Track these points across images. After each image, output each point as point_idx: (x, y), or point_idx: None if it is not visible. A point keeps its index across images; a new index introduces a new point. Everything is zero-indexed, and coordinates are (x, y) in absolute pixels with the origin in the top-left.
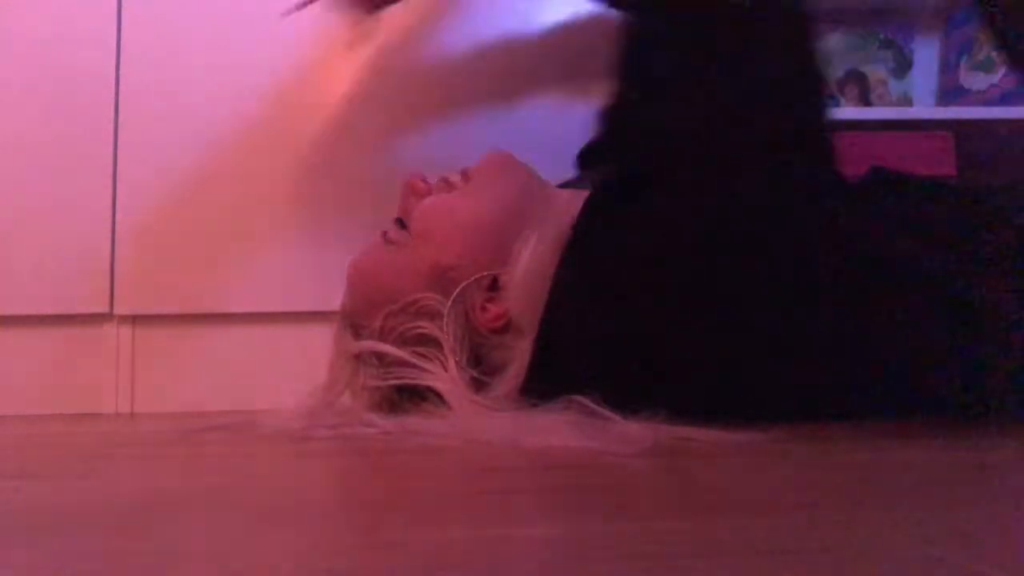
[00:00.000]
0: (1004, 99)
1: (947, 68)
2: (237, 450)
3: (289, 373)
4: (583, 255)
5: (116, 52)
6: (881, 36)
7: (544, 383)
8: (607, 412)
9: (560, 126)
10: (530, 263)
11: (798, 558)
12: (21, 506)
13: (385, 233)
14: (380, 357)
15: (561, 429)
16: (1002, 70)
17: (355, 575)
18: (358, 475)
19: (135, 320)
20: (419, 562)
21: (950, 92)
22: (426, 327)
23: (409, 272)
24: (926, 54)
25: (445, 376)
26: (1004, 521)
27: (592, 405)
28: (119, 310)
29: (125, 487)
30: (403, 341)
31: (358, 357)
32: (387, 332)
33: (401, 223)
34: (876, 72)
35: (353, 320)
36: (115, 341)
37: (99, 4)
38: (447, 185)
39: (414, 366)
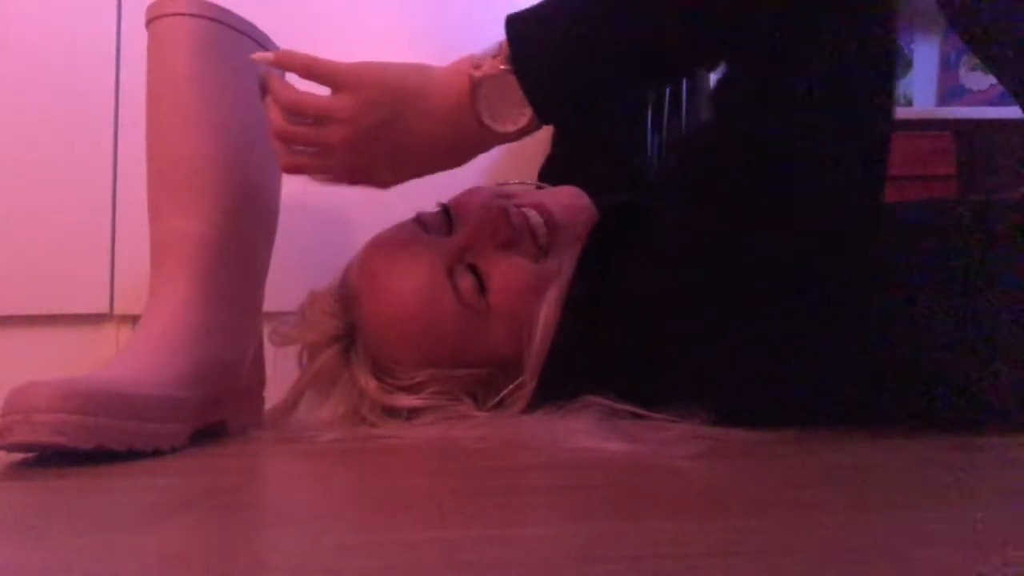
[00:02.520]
0: (1004, 99)
1: (947, 68)
2: (237, 450)
3: (288, 373)
4: (590, 285)
5: (116, 52)
6: None
7: (553, 391)
8: (631, 409)
9: None
10: (544, 324)
11: (798, 558)
12: (19, 505)
13: (456, 288)
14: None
15: (593, 431)
16: None
17: (355, 575)
18: (358, 475)
19: (135, 320)
20: (419, 562)
21: (950, 92)
22: (463, 393)
23: (479, 349)
24: (926, 54)
25: (471, 408)
26: (1003, 521)
27: (612, 404)
28: (119, 310)
29: (124, 487)
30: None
31: (389, 410)
32: (425, 386)
33: (479, 281)
34: None
35: (382, 360)
36: (115, 341)
37: (99, 4)
38: (531, 237)
39: (444, 413)
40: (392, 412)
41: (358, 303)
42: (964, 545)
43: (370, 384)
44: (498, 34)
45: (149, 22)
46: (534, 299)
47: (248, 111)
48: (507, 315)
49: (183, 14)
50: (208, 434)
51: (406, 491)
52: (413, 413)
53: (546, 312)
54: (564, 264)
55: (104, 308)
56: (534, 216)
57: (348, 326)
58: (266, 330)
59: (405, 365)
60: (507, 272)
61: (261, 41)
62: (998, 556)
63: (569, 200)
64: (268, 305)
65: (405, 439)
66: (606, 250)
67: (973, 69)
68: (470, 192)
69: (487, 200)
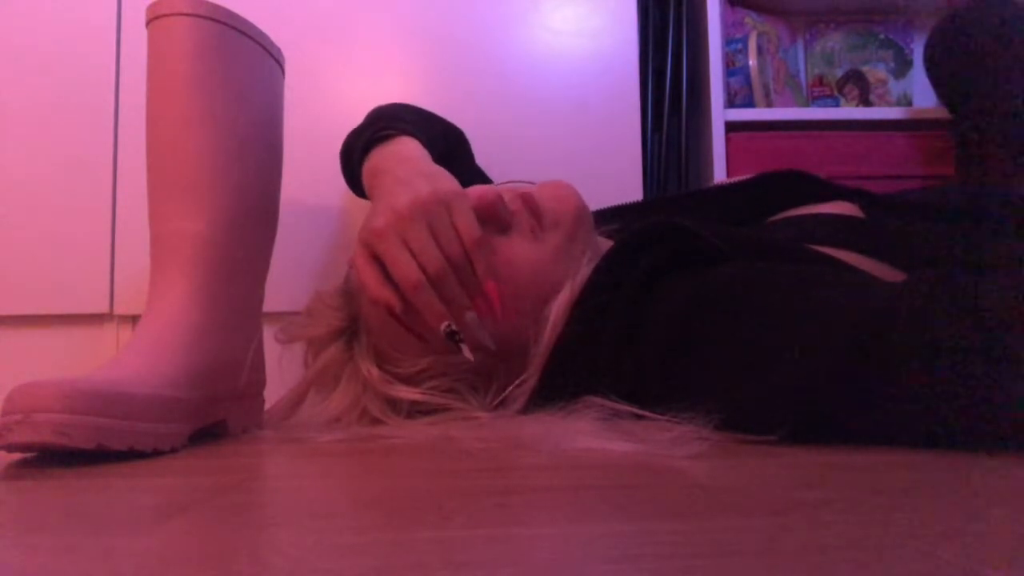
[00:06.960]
0: None
1: None
2: (237, 450)
3: (292, 374)
4: (597, 301)
5: (116, 52)
6: (881, 36)
7: (555, 391)
8: (632, 409)
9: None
10: (553, 324)
11: (799, 558)
12: (18, 505)
13: None
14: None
15: (594, 431)
16: None
17: (355, 575)
18: (358, 475)
19: (135, 320)
20: (419, 562)
21: None
22: (464, 385)
23: None
24: None
25: (474, 406)
26: (1003, 521)
27: (613, 404)
28: (119, 310)
29: (124, 487)
30: (438, 386)
31: (391, 403)
32: (427, 376)
33: None
34: (876, 72)
35: (384, 348)
36: (115, 341)
37: (99, 4)
38: (525, 219)
39: (447, 408)
40: (394, 405)
41: (360, 294)
42: (966, 545)
43: (373, 372)
44: (494, 31)
45: (149, 22)
46: (534, 284)
47: (248, 111)
48: (510, 298)
49: (183, 14)
50: (208, 434)
51: (406, 491)
52: (415, 407)
53: (555, 312)
54: (580, 267)
55: (104, 308)
56: (517, 204)
57: (351, 318)
58: (270, 330)
59: (407, 353)
60: (505, 254)
61: (261, 41)
62: (1001, 557)
63: (556, 191)
64: (269, 305)
65: (406, 439)
66: (628, 264)
67: None
68: (470, 190)
69: (483, 192)
